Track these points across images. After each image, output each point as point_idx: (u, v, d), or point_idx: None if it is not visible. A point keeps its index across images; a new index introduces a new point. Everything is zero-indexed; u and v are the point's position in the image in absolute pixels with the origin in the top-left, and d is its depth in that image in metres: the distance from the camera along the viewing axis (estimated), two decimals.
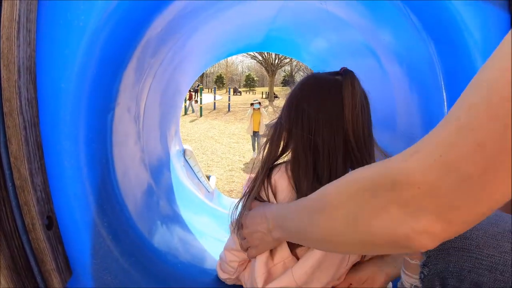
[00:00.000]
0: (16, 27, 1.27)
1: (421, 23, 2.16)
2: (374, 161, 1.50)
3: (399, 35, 2.45)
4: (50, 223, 1.52)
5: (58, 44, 1.45)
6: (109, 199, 1.86)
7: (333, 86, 1.44)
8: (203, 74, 75.80)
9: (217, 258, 2.26)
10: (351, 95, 1.38)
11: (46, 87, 1.45)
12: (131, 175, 2.25)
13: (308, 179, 1.42)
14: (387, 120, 2.98)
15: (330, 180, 1.14)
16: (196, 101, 29.96)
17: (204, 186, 5.85)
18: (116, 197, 1.94)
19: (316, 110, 1.42)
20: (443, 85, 2.16)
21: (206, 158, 14.01)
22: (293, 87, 1.61)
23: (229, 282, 2.04)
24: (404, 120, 2.78)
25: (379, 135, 3.16)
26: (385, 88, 2.91)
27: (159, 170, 3.10)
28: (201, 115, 24.40)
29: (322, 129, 1.40)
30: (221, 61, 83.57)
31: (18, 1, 1.27)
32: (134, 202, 2.16)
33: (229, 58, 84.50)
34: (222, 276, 1.98)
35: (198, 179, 5.74)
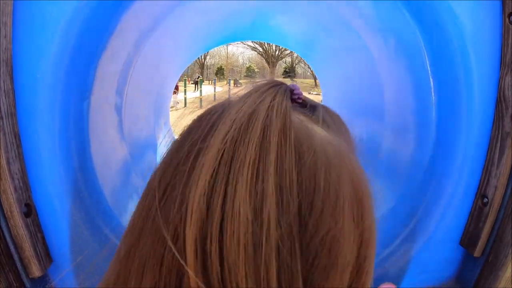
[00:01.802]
0: None
1: (407, 10, 2.20)
2: None
3: (386, 19, 2.47)
4: (29, 210, 1.58)
5: (33, 36, 1.49)
6: (87, 186, 1.90)
7: None
8: (203, 65, 75.72)
9: None
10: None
11: (23, 78, 1.50)
12: (111, 163, 2.30)
13: None
14: (375, 109, 3.05)
15: None
16: (175, 92, 29.50)
17: None
18: (94, 184, 1.98)
19: None
20: (429, 72, 2.20)
21: None
22: None
23: None
24: (392, 108, 2.84)
25: (368, 126, 3.22)
26: (373, 76, 2.96)
27: (144, 160, 3.14)
28: (200, 106, 24.47)
29: None
30: (221, 53, 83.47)
31: None
32: (113, 191, 2.20)
33: (229, 50, 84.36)
34: None
35: None
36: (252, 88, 0.67)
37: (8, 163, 1.45)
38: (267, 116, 0.54)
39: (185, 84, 25.87)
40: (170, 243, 0.48)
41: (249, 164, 0.48)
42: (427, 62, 2.15)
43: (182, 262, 0.47)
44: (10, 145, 1.46)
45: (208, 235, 0.45)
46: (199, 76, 44.83)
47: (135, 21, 2.11)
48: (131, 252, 0.57)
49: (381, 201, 2.71)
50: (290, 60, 68.58)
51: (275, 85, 0.66)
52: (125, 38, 2.13)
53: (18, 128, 1.51)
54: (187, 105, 24.79)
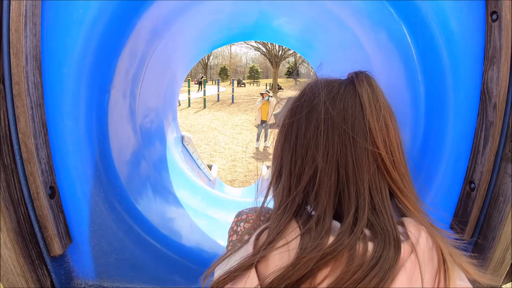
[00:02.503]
0: (23, 20, 1.48)
1: (392, 8, 2.31)
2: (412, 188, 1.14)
3: (376, 16, 2.58)
4: (53, 192, 1.73)
5: (60, 34, 1.65)
6: (105, 172, 2.05)
7: (346, 86, 1.12)
8: (206, 66, 75.46)
9: (206, 232, 2.49)
10: (371, 96, 1.09)
11: (50, 72, 1.65)
12: (126, 152, 2.44)
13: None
14: None
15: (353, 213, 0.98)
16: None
17: (205, 175, 5.93)
18: (112, 170, 2.13)
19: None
20: (417, 66, 2.30)
21: (210, 148, 14.09)
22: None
23: None
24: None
25: None
26: (365, 66, 3.05)
27: (154, 150, 3.30)
28: (204, 107, 24.47)
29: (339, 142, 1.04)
30: (225, 53, 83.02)
31: None
32: (128, 177, 2.35)
33: (233, 50, 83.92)
34: None
35: (198, 166, 5.86)
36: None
37: (37, 148, 1.60)
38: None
39: (188, 84, 25.82)
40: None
41: None
42: (415, 56, 2.28)
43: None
44: (38, 133, 1.61)
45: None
46: (202, 76, 44.54)
47: (150, 21, 2.24)
48: None
49: None
50: (293, 60, 68.28)
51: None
52: (142, 37, 2.27)
53: (46, 118, 1.67)
54: (191, 105, 24.79)
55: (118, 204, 2.11)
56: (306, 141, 1.05)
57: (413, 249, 0.91)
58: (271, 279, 0.86)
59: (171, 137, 4.24)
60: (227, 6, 3.09)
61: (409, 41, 2.29)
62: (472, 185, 2.02)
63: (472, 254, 2.12)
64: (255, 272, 0.90)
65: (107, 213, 1.99)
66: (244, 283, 0.89)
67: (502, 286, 2.23)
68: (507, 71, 1.84)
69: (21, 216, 1.64)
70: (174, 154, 4.08)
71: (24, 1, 1.48)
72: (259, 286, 0.87)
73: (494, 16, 1.85)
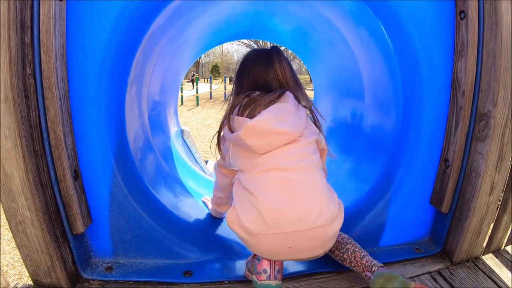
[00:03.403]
0: (52, 23, 1.66)
1: (370, 9, 2.49)
2: (302, 90, 2.20)
3: (358, 15, 2.74)
4: (77, 175, 1.93)
5: (84, 35, 1.85)
6: (124, 157, 2.23)
7: (267, 55, 2.18)
8: (198, 63, 74.61)
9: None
10: (277, 57, 2.15)
11: (75, 68, 1.85)
12: (138, 139, 2.61)
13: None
14: (357, 91, 3.38)
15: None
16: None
17: (202, 168, 5.98)
18: (129, 156, 2.31)
19: (251, 66, 2.22)
20: (395, 58, 2.50)
21: (204, 145, 13.95)
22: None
23: (222, 210, 2.71)
24: (370, 89, 3.15)
25: (352, 105, 3.48)
26: (353, 65, 3.29)
27: (160, 139, 3.47)
28: (197, 104, 24.25)
29: (259, 73, 2.16)
30: (216, 51, 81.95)
31: (53, 3, 1.66)
32: (140, 161, 2.51)
33: (224, 47, 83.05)
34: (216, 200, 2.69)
35: (196, 160, 6.03)
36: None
37: (64, 135, 1.79)
38: None
39: (197, 82, 25.63)
40: None
41: None
42: (393, 51, 2.48)
43: None
44: (65, 121, 1.80)
45: None
46: (194, 74, 44.05)
47: (160, 25, 2.43)
48: None
49: (364, 168, 3.06)
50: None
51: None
52: (153, 38, 2.44)
53: (71, 109, 1.86)
54: (184, 103, 24.63)
55: (135, 186, 2.27)
56: (246, 72, 2.21)
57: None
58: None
59: (173, 130, 4.36)
60: (228, 9, 3.26)
61: (387, 37, 2.48)
62: (447, 163, 2.24)
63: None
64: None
65: (124, 194, 2.15)
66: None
67: (482, 257, 2.39)
68: (474, 63, 2.08)
69: (48, 197, 1.82)
70: (177, 146, 4.21)
71: (53, 6, 1.66)
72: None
73: (462, 15, 2.09)
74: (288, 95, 2.02)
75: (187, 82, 44.89)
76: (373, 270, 1.97)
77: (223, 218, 2.80)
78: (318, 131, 2.12)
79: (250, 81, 2.17)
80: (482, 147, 2.10)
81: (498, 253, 2.45)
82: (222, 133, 2.17)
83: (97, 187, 2.05)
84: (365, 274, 2.00)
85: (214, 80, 62.51)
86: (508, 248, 2.52)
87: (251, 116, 1.95)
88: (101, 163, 2.04)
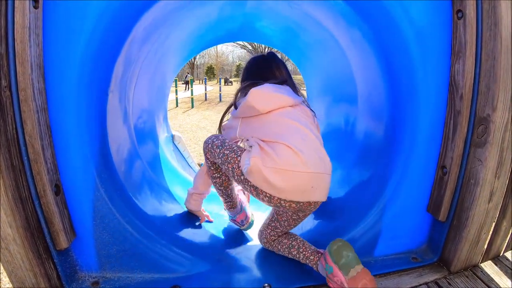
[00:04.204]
0: (27, 32, 1.59)
1: (357, 14, 2.49)
2: (297, 89, 2.59)
3: (348, 18, 2.71)
4: (58, 190, 1.85)
5: (61, 44, 1.77)
6: (107, 168, 2.17)
7: (265, 57, 2.72)
8: (193, 65, 74.84)
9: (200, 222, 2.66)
10: (274, 61, 2.66)
11: (53, 78, 1.78)
12: (122, 150, 2.55)
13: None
14: (350, 96, 3.33)
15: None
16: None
17: (195, 172, 5.98)
18: (111, 168, 2.25)
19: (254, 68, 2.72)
20: (390, 62, 2.46)
21: (199, 148, 13.91)
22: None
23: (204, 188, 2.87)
24: (363, 94, 3.10)
25: (346, 111, 3.45)
26: (345, 67, 3.26)
27: (147, 148, 3.42)
28: (192, 106, 24.23)
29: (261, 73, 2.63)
30: (211, 52, 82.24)
31: (28, 11, 1.58)
32: (124, 172, 2.46)
33: (219, 49, 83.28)
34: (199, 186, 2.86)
35: (189, 165, 5.95)
36: None
37: (43, 149, 1.72)
38: None
39: (176, 84, 25.60)
40: None
41: None
42: (387, 52, 2.43)
43: None
44: (44, 135, 1.73)
45: None
46: (187, 76, 44.16)
47: (144, 27, 2.37)
48: None
49: (357, 179, 2.99)
50: (280, 57, 67.54)
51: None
52: (135, 43, 2.39)
53: (50, 121, 1.79)
54: (179, 105, 24.63)
55: (118, 199, 2.21)
56: (253, 70, 2.68)
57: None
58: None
59: (162, 137, 4.33)
60: (214, 11, 3.22)
61: (380, 39, 2.44)
62: (445, 170, 2.17)
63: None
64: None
65: (108, 207, 2.09)
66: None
67: (481, 264, 2.33)
68: (472, 65, 2.00)
69: (29, 213, 1.74)
70: (166, 152, 4.16)
71: (28, 14, 1.59)
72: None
73: (460, 14, 2.01)
74: (286, 86, 2.50)
75: (182, 83, 44.92)
76: (321, 252, 2.24)
77: (201, 220, 2.93)
78: (313, 112, 2.52)
79: (254, 76, 2.63)
80: (481, 153, 2.03)
81: (498, 259, 2.40)
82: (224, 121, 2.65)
83: (79, 201, 1.99)
84: (314, 256, 2.23)
85: (209, 82, 62.55)
86: (508, 254, 2.46)
87: None
88: (82, 177, 1.98)
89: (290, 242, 2.39)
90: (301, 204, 2.12)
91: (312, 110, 2.51)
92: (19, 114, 1.65)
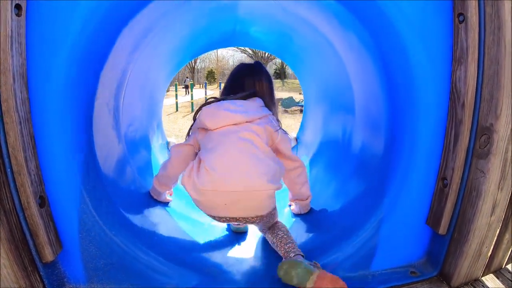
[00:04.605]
0: (9, 41, 1.53)
1: (355, 16, 2.42)
2: (275, 107, 2.79)
3: (344, 22, 2.67)
4: (43, 202, 1.79)
5: (44, 52, 1.71)
6: (93, 179, 2.12)
7: (247, 68, 2.84)
8: (194, 69, 75.04)
9: (190, 233, 2.62)
10: (257, 74, 2.75)
11: (37, 88, 1.71)
12: (111, 159, 2.51)
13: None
14: (348, 105, 3.27)
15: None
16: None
17: None
18: (99, 178, 2.20)
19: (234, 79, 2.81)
20: (387, 68, 2.40)
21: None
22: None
23: (161, 189, 2.94)
24: (361, 103, 3.05)
25: (343, 121, 3.40)
26: (342, 74, 3.20)
27: (139, 157, 3.38)
28: (192, 111, 24.12)
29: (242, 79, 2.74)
30: (211, 56, 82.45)
31: (10, 19, 1.52)
32: (113, 182, 2.42)
33: (219, 53, 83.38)
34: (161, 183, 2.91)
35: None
36: None
37: (26, 161, 1.66)
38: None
39: (176, 88, 25.62)
40: None
41: None
42: (384, 58, 2.37)
43: None
44: (27, 146, 1.67)
45: None
46: (186, 80, 44.26)
47: (132, 34, 2.31)
48: None
49: (353, 190, 2.93)
50: (280, 61, 68.01)
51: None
52: (123, 50, 2.34)
53: (33, 131, 1.72)
54: (179, 109, 24.60)
55: (105, 210, 2.17)
56: (234, 79, 2.78)
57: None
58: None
59: (156, 144, 4.29)
60: (204, 16, 3.20)
61: (377, 43, 2.37)
62: (445, 181, 2.09)
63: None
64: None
65: (95, 219, 2.04)
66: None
67: (482, 278, 2.26)
68: (475, 71, 1.92)
69: (13, 225, 1.68)
70: (160, 160, 4.09)
71: (10, 22, 1.53)
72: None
73: (461, 18, 1.93)
74: (256, 99, 2.62)
75: (182, 88, 44.99)
76: (290, 256, 2.28)
77: (166, 202, 3.12)
78: (277, 127, 2.58)
79: (234, 84, 2.77)
80: (483, 164, 1.96)
81: (499, 272, 2.33)
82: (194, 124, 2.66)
83: (65, 213, 1.93)
84: (284, 258, 2.32)
85: (209, 86, 62.65)
86: (510, 267, 2.38)
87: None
88: (67, 188, 1.93)
89: (272, 238, 2.55)
90: (233, 219, 2.39)
91: (277, 125, 2.60)
92: (1, 125, 1.59)
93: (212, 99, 2.60)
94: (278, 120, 2.67)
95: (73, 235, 1.97)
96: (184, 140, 2.76)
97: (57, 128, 1.82)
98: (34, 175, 1.73)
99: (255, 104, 2.56)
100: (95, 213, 2.05)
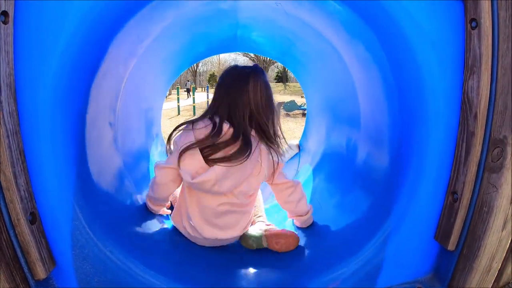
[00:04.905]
0: None
1: (365, 21, 2.32)
2: (274, 126, 2.50)
3: (352, 29, 2.59)
4: (34, 218, 1.71)
5: (33, 62, 1.64)
6: (86, 195, 2.04)
7: (243, 76, 2.41)
8: (196, 73, 75.41)
9: (190, 249, 2.59)
10: (253, 82, 2.37)
11: (26, 99, 1.63)
12: (106, 172, 2.43)
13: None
14: (352, 115, 3.18)
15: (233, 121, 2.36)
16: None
17: None
18: (93, 192, 2.13)
19: (226, 87, 2.45)
20: (393, 78, 2.33)
21: None
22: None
23: (157, 208, 2.86)
24: (367, 114, 2.97)
25: (347, 133, 3.34)
26: (348, 83, 3.11)
27: (137, 168, 3.31)
28: (194, 114, 24.11)
29: (230, 98, 2.38)
30: (214, 60, 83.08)
31: None
32: (108, 196, 2.35)
33: (221, 57, 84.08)
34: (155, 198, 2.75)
35: None
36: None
37: (15, 176, 1.58)
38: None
39: (178, 92, 25.63)
40: None
41: None
42: (392, 67, 2.29)
43: None
44: (16, 161, 1.59)
45: None
46: (187, 83, 44.44)
47: (126, 40, 2.24)
48: None
49: (358, 204, 2.84)
50: (281, 64, 67.89)
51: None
52: (118, 57, 2.27)
53: (23, 145, 1.64)
54: (180, 113, 24.62)
55: (99, 226, 2.10)
56: (223, 91, 2.45)
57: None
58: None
59: (155, 152, 4.21)
60: (204, 21, 3.15)
61: (384, 51, 2.30)
62: (455, 196, 2.00)
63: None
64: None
65: (89, 236, 1.98)
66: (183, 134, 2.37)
67: None
68: (488, 80, 1.83)
69: (4, 243, 1.62)
70: None
71: None
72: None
73: (473, 24, 1.84)
74: (246, 144, 2.33)
75: (184, 91, 45.09)
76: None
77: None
78: (272, 170, 2.60)
79: (224, 99, 2.42)
80: (496, 178, 1.87)
81: (508, 286, 2.26)
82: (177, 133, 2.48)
83: (58, 229, 1.85)
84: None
85: (212, 89, 62.52)
86: None
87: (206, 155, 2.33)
88: (59, 204, 1.85)
89: None
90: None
91: (274, 153, 2.53)
92: None
93: (208, 137, 2.32)
94: (273, 145, 2.56)
95: (66, 251, 1.90)
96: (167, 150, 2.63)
97: (48, 141, 1.74)
98: (24, 190, 1.65)
99: (243, 166, 2.39)
100: (88, 229, 1.98)
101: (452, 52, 1.94)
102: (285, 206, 2.89)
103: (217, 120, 2.33)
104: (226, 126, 2.30)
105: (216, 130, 2.28)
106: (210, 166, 2.31)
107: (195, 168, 2.33)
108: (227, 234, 2.58)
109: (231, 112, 2.37)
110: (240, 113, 2.36)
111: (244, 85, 2.38)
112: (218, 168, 2.28)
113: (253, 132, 2.42)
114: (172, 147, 2.51)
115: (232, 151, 2.29)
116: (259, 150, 2.45)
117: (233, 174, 2.35)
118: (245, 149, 2.30)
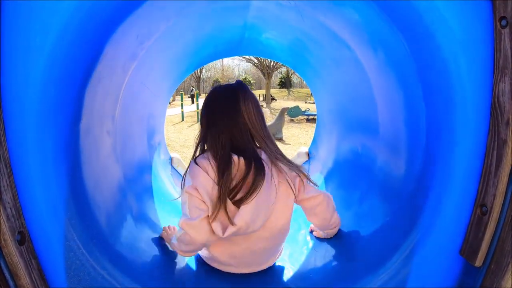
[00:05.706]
0: None
1: (392, 21, 2.19)
2: (271, 141, 2.25)
3: (373, 30, 2.47)
4: (23, 238, 1.57)
5: (19, 65, 1.50)
6: (80, 212, 1.92)
7: (230, 95, 2.19)
8: (199, 79, 75.95)
9: (198, 275, 2.48)
10: (244, 100, 2.15)
11: (11, 107, 1.50)
12: (103, 186, 2.31)
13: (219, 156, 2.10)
14: (370, 123, 3.06)
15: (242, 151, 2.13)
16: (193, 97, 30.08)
17: None
18: (88, 209, 2.01)
19: (217, 113, 2.19)
20: (418, 82, 2.19)
21: None
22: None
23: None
24: (386, 121, 2.84)
25: (363, 140, 3.22)
26: (366, 89, 2.97)
27: (138, 180, 3.18)
28: (198, 120, 24.21)
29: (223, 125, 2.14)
30: (217, 66, 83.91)
31: None
32: (106, 212, 2.22)
33: (225, 62, 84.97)
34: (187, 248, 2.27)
35: None
36: None
37: (0, 192, 1.44)
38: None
39: (181, 98, 25.79)
40: None
41: None
42: (416, 72, 2.15)
43: None
44: (1, 174, 1.46)
45: None
46: (192, 89, 44.87)
47: (125, 41, 2.14)
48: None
49: (377, 215, 2.71)
50: (285, 70, 68.48)
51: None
52: (115, 59, 2.17)
53: (9, 157, 1.51)
54: (184, 119, 24.73)
55: (96, 246, 1.97)
56: (212, 123, 2.20)
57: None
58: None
59: (158, 161, 4.09)
60: (210, 20, 3.03)
61: (411, 53, 2.17)
62: (484, 209, 1.86)
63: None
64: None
65: (84, 257, 1.85)
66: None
67: None
68: None
69: None
70: (163, 178, 3.92)
71: None
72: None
73: (504, 22, 1.69)
74: (258, 164, 2.12)
75: (188, 97, 45.49)
76: None
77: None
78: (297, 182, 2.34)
79: (220, 137, 2.15)
80: None
81: None
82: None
83: (50, 249, 1.72)
84: None
85: None
86: None
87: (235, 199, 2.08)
88: (50, 222, 1.70)
89: None
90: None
91: (294, 170, 2.29)
92: None
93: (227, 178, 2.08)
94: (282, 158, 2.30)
95: (59, 273, 1.76)
96: (183, 185, 2.20)
97: (36, 153, 1.60)
98: (10, 208, 1.51)
99: (265, 190, 2.14)
100: (83, 249, 1.85)
101: (481, 53, 1.79)
102: (319, 223, 2.67)
103: (222, 152, 2.10)
104: (235, 158, 2.08)
105: (229, 167, 2.05)
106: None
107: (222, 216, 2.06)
108: (264, 266, 2.51)
109: (233, 138, 2.15)
110: (243, 136, 2.16)
111: (236, 109, 2.15)
112: (244, 210, 2.04)
113: (262, 155, 2.21)
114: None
115: (250, 180, 2.06)
116: (272, 169, 2.18)
117: (260, 206, 2.08)
118: (260, 169, 2.08)
